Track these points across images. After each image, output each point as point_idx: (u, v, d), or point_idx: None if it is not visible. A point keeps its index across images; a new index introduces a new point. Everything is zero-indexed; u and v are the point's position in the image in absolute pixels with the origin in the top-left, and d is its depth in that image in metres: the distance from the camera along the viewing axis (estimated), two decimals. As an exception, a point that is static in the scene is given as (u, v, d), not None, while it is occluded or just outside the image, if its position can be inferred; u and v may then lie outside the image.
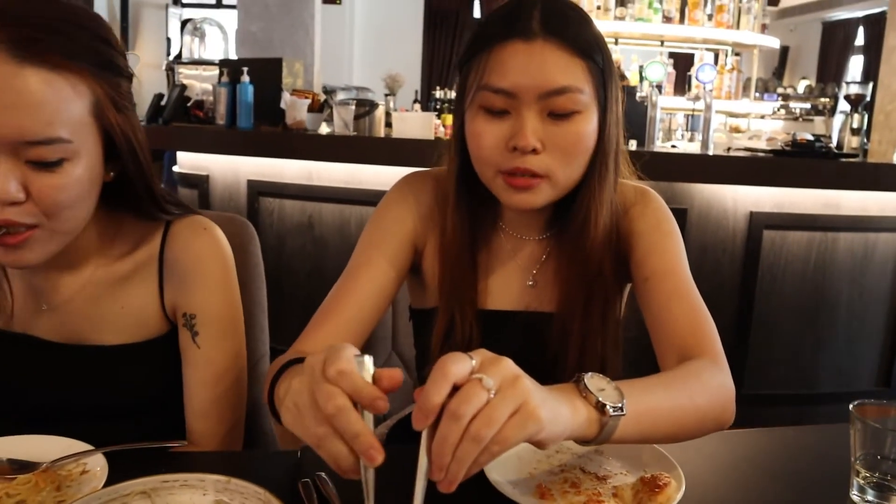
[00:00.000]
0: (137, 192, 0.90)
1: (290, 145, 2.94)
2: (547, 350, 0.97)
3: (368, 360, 0.59)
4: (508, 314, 1.00)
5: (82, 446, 0.83)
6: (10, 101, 0.74)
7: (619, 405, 0.67)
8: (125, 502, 0.71)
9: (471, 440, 0.56)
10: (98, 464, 0.79)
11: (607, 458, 0.88)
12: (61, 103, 0.77)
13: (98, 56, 0.81)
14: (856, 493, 0.84)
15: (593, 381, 0.68)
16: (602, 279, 0.96)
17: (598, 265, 0.95)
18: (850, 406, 0.84)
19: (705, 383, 0.82)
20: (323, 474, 0.81)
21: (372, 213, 1.02)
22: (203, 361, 0.95)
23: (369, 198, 2.82)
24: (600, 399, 0.67)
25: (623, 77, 4.36)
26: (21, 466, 0.79)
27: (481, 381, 0.57)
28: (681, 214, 2.68)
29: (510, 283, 1.01)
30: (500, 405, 0.57)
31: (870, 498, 0.83)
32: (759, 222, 2.71)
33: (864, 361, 2.90)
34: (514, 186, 0.89)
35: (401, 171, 1.08)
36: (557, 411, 0.62)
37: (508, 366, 0.60)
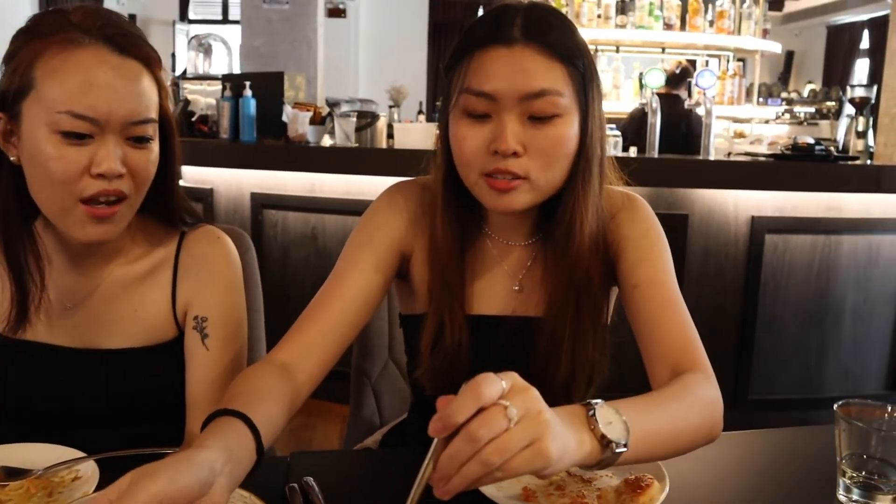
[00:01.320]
0: (168, 189, 0.98)
1: (293, 158, 2.96)
2: (535, 354, 0.97)
3: None
4: (495, 319, 1.01)
5: (76, 454, 0.84)
6: (121, 86, 0.86)
7: (624, 442, 0.68)
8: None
9: (479, 463, 0.57)
10: (90, 469, 0.81)
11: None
12: (149, 90, 0.90)
13: (157, 55, 0.93)
14: (842, 493, 0.84)
15: (603, 411, 0.68)
16: (589, 284, 0.97)
17: (586, 270, 0.96)
18: (835, 406, 0.84)
19: (700, 400, 0.83)
20: (310, 479, 0.82)
21: (359, 221, 1.03)
22: (210, 363, 0.98)
23: (371, 208, 2.83)
24: (606, 434, 0.67)
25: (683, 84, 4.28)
26: (14, 473, 0.80)
27: (506, 410, 0.58)
28: (682, 220, 2.68)
29: (497, 288, 1.02)
30: (516, 436, 0.58)
31: (856, 497, 0.83)
32: (761, 227, 2.71)
33: (871, 364, 2.88)
34: (495, 189, 0.90)
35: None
36: (566, 446, 0.63)
37: (534, 398, 0.61)
